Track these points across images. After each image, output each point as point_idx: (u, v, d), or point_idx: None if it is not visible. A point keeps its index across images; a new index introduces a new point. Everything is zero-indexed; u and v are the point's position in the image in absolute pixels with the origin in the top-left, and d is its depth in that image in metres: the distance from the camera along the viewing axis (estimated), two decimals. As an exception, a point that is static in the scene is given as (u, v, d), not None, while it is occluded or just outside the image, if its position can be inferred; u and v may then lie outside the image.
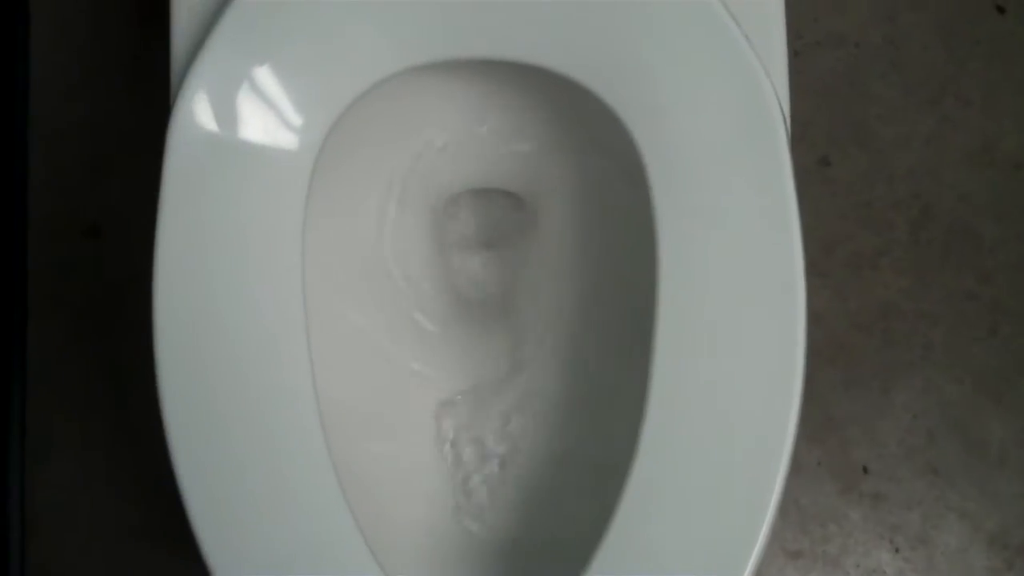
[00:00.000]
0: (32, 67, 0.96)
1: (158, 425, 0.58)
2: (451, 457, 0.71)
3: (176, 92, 0.59)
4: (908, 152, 0.96)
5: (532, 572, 0.65)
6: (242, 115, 0.59)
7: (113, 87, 0.96)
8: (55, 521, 0.92)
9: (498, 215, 0.78)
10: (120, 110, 0.96)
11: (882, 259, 0.95)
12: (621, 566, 0.56)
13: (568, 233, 0.74)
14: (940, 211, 0.96)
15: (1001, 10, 0.97)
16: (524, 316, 0.74)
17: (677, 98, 0.59)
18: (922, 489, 0.93)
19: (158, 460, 0.58)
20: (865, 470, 0.93)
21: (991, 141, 0.96)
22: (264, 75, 0.59)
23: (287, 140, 0.60)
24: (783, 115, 0.59)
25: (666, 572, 0.55)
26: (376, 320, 0.73)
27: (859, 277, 0.95)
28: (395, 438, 0.71)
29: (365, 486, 0.62)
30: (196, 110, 0.58)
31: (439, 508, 0.70)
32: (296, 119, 0.60)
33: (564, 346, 0.73)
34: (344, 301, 0.70)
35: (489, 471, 0.71)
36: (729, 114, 0.59)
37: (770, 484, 0.56)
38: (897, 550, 0.92)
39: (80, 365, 0.94)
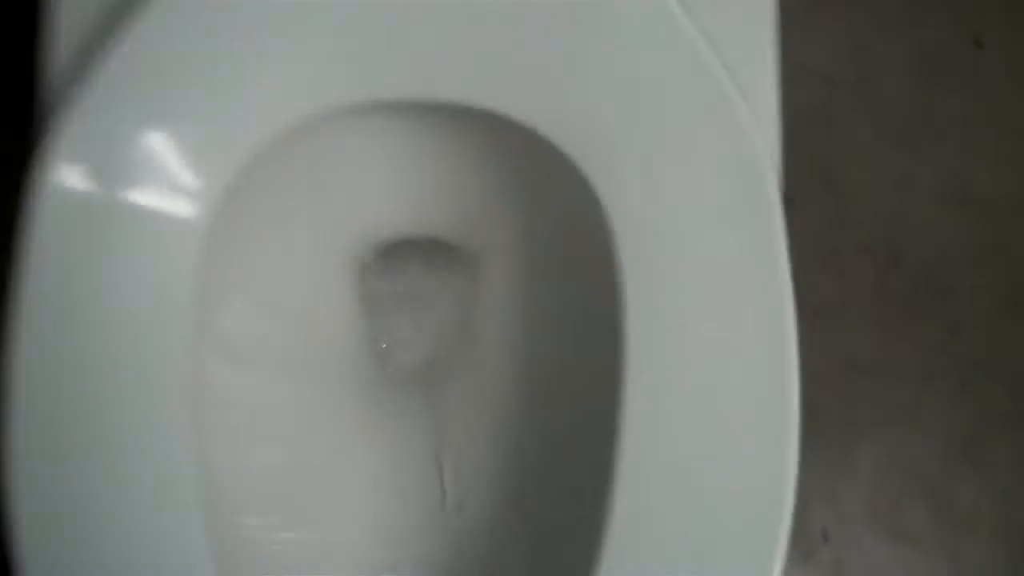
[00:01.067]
0: None
1: None
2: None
3: (42, 137, 0.50)
4: (878, 194, 0.91)
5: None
6: (129, 167, 0.50)
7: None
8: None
9: (432, 269, 0.69)
10: None
11: (847, 310, 0.89)
12: None
13: (513, 290, 0.66)
14: (911, 258, 0.90)
15: (979, 44, 0.91)
16: (455, 390, 0.66)
17: (652, 154, 0.51)
18: (886, 557, 0.87)
19: None
20: (825, 537, 0.87)
21: (966, 182, 0.90)
22: (153, 130, 0.50)
23: (182, 206, 0.51)
24: (777, 178, 0.51)
25: None
26: (297, 385, 0.64)
27: (823, 329, 0.89)
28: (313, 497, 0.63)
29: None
30: (67, 168, 0.49)
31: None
32: (193, 180, 0.51)
33: (504, 415, 0.65)
34: (258, 373, 0.62)
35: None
36: (715, 178, 0.51)
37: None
38: (860, 622, 0.87)
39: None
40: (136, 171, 0.50)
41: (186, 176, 0.51)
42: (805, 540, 0.87)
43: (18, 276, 0.48)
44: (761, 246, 0.51)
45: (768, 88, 0.53)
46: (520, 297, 0.66)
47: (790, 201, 0.88)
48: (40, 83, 0.52)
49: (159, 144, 0.50)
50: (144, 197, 0.50)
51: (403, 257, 0.69)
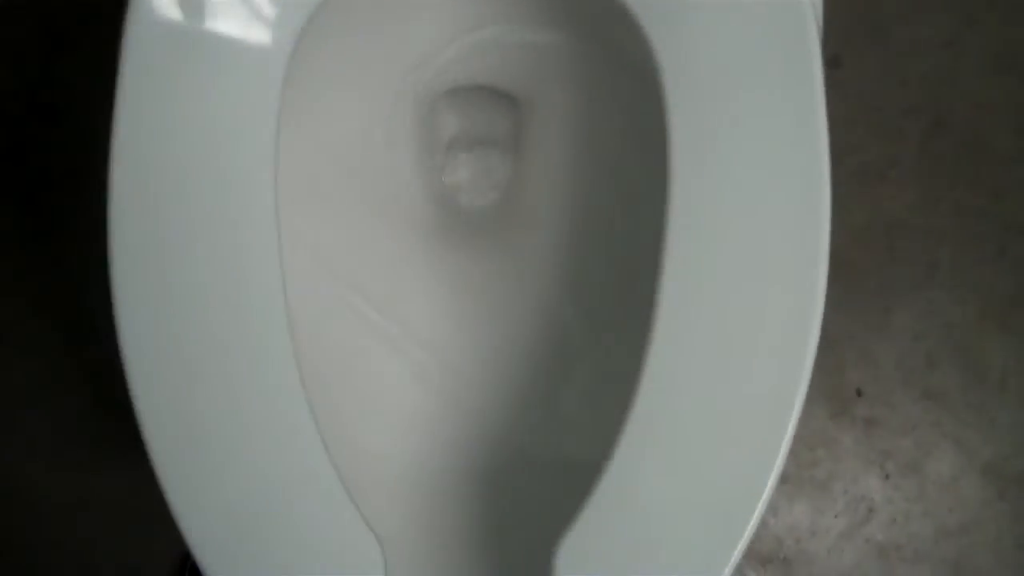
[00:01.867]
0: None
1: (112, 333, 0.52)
2: None
3: None
4: (925, 56, 0.90)
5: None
6: (209, 4, 0.51)
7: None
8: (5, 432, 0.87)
9: (493, 116, 0.70)
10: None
11: (890, 171, 0.89)
12: (602, 535, 0.50)
13: (568, 138, 0.67)
14: (955, 121, 0.89)
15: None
16: (518, 230, 0.68)
17: (701, 8, 0.51)
18: (917, 414, 0.89)
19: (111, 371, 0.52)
20: (859, 393, 0.89)
21: (1014, 48, 0.89)
22: None
23: (259, 35, 0.52)
24: (817, 19, 0.52)
25: (647, 547, 0.50)
26: (358, 221, 0.66)
27: (865, 189, 0.89)
28: (370, 360, 0.65)
29: (339, 413, 0.56)
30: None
31: (415, 436, 0.64)
32: (270, 10, 0.52)
33: (555, 262, 0.66)
34: (324, 208, 0.63)
35: None
36: (757, 19, 0.51)
37: (764, 473, 0.50)
38: (887, 476, 0.89)
39: (27, 261, 0.88)
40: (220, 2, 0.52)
41: (266, 7, 0.52)
42: (840, 396, 0.89)
43: (117, 102, 0.50)
44: (801, 97, 0.51)
45: None
46: (572, 146, 0.67)
47: (838, 61, 0.89)
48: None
49: None
50: (226, 25, 0.52)
51: (463, 103, 0.70)
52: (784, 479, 0.89)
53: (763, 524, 0.88)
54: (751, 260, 0.51)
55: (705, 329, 0.50)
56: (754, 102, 0.51)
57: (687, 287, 0.51)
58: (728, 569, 0.49)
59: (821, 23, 0.54)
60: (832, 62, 0.89)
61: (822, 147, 0.51)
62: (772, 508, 0.88)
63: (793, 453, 0.87)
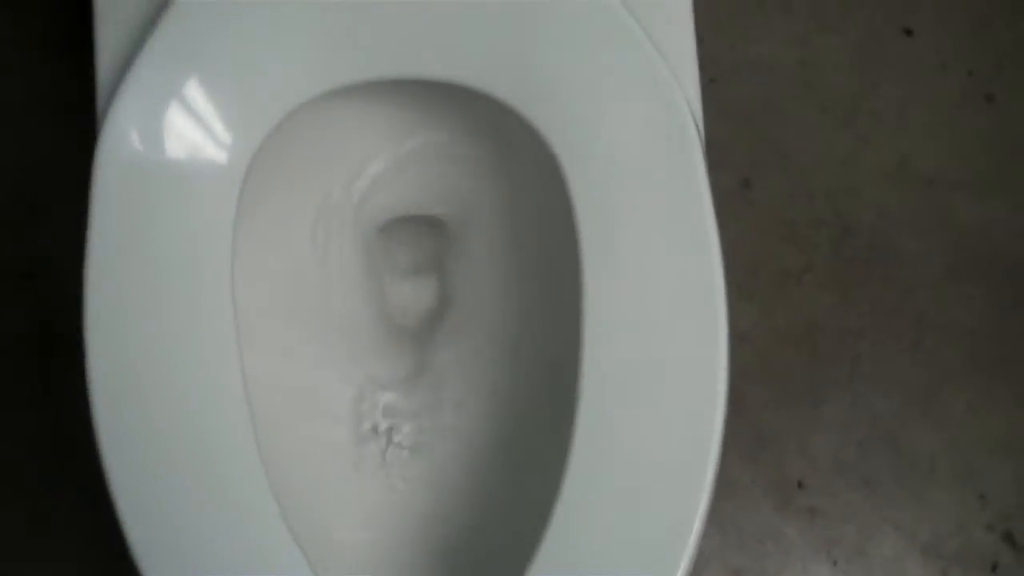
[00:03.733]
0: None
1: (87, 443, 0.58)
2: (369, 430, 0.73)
3: (103, 115, 0.60)
4: (826, 171, 0.98)
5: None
6: (171, 133, 0.60)
7: (45, 128, 0.96)
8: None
9: (427, 242, 0.78)
10: (53, 152, 0.95)
11: (806, 276, 0.97)
12: (558, 567, 0.56)
13: (498, 255, 0.75)
14: (860, 228, 0.98)
15: (909, 32, 1.00)
16: (455, 339, 0.75)
17: (594, 113, 0.61)
18: (857, 502, 0.94)
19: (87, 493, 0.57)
20: (800, 485, 0.94)
21: (905, 158, 0.99)
22: (192, 94, 0.60)
23: (216, 156, 0.60)
24: (695, 121, 0.61)
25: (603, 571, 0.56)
26: (305, 346, 0.73)
27: (785, 295, 0.97)
28: (318, 430, 0.72)
29: (294, 484, 0.63)
30: (123, 129, 0.59)
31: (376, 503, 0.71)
32: (226, 136, 0.60)
33: (495, 367, 0.73)
34: (273, 324, 0.70)
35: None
36: (644, 127, 0.60)
37: (697, 494, 0.57)
38: (835, 563, 0.94)
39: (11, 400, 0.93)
40: (180, 130, 0.60)
41: (222, 133, 0.61)
42: (782, 490, 0.94)
43: (88, 227, 0.59)
44: (686, 178, 0.60)
45: (687, 54, 0.63)
46: (497, 262, 0.75)
47: (748, 183, 0.98)
48: (97, 73, 0.62)
49: (199, 107, 0.60)
50: (187, 152, 0.60)
51: (401, 232, 0.78)
52: (737, 572, 0.93)
53: (722, 619, 0.93)
54: (657, 338, 0.59)
55: (623, 419, 0.58)
56: (649, 201, 0.60)
57: (603, 385, 0.58)
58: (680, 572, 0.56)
59: (702, 129, 0.63)
60: (743, 184, 0.98)
61: (710, 231, 0.60)
62: (729, 602, 0.93)
63: (743, 546, 0.93)
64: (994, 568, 0.93)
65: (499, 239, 0.74)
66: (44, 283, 0.94)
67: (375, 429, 0.73)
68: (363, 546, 0.69)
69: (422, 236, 0.78)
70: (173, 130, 0.60)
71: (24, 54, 0.97)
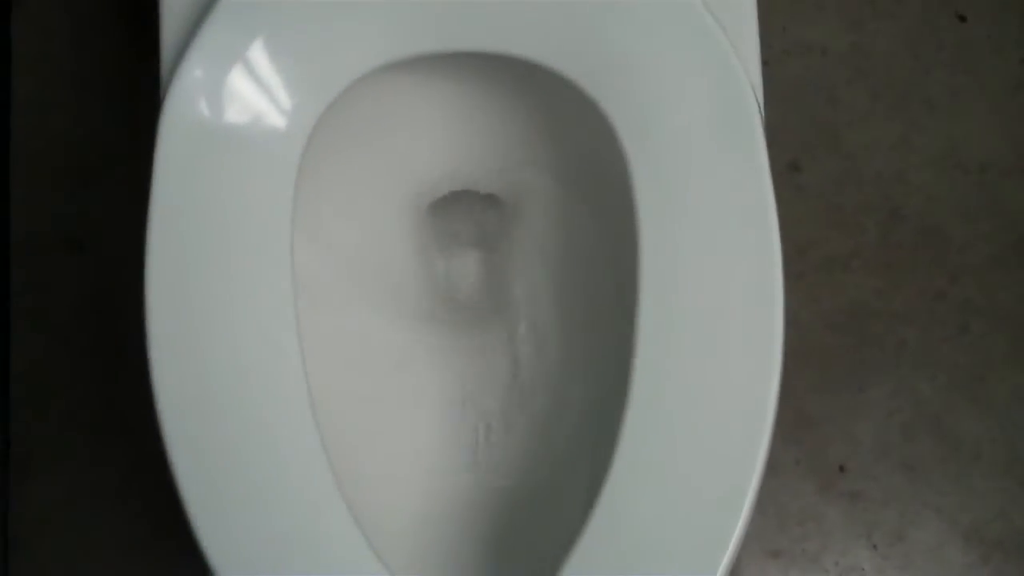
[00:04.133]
0: (13, 81, 0.97)
1: (145, 436, 0.58)
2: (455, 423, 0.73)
3: (168, 80, 0.61)
4: (876, 156, 0.98)
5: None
6: (234, 98, 0.60)
7: (96, 101, 0.97)
8: (40, 536, 0.92)
9: (482, 218, 0.79)
10: (103, 124, 0.97)
11: (854, 261, 0.97)
12: (600, 558, 0.56)
13: (552, 233, 0.76)
14: (909, 213, 0.98)
15: (963, 18, 1.00)
16: (508, 318, 0.76)
17: (658, 92, 0.61)
18: (898, 486, 0.94)
19: (143, 472, 0.58)
20: (842, 469, 0.95)
21: (957, 145, 0.99)
22: (256, 59, 0.61)
23: (278, 122, 0.61)
24: (759, 108, 0.61)
25: (645, 563, 0.56)
26: (359, 315, 0.74)
27: (832, 279, 0.97)
28: (383, 425, 0.73)
29: (354, 470, 0.63)
30: (188, 94, 0.60)
31: (431, 494, 0.71)
32: (288, 103, 0.61)
33: (546, 348, 0.74)
34: (328, 297, 0.71)
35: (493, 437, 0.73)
36: (708, 108, 0.61)
37: (747, 479, 0.57)
38: (875, 547, 0.94)
39: (64, 378, 0.95)
40: (243, 95, 0.61)
41: (284, 100, 0.61)
42: (824, 472, 0.95)
43: (152, 190, 0.59)
44: (747, 162, 0.60)
45: (750, 38, 0.64)
46: (551, 242, 0.76)
47: (797, 166, 0.98)
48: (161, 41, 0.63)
49: (262, 73, 0.61)
50: (250, 118, 0.61)
51: (456, 207, 0.79)
52: (776, 553, 0.94)
53: (761, 598, 0.94)
54: (714, 328, 0.59)
55: (676, 398, 0.58)
56: (710, 183, 0.60)
57: (658, 359, 0.59)
58: (722, 570, 0.56)
59: (763, 113, 0.63)
60: (792, 167, 0.98)
61: (771, 214, 0.60)
62: (769, 582, 0.93)
63: (783, 528, 0.93)
64: (1036, 556, 0.93)
65: (554, 218, 0.75)
66: (92, 255, 0.96)
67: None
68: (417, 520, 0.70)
69: (477, 212, 0.79)
70: (236, 96, 0.60)
71: (85, 22, 0.98)
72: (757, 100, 0.61)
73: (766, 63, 0.96)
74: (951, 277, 0.97)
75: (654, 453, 0.57)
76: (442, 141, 0.75)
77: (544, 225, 0.76)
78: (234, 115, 0.60)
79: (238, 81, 0.61)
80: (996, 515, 0.94)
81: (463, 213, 0.79)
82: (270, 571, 0.56)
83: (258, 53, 0.61)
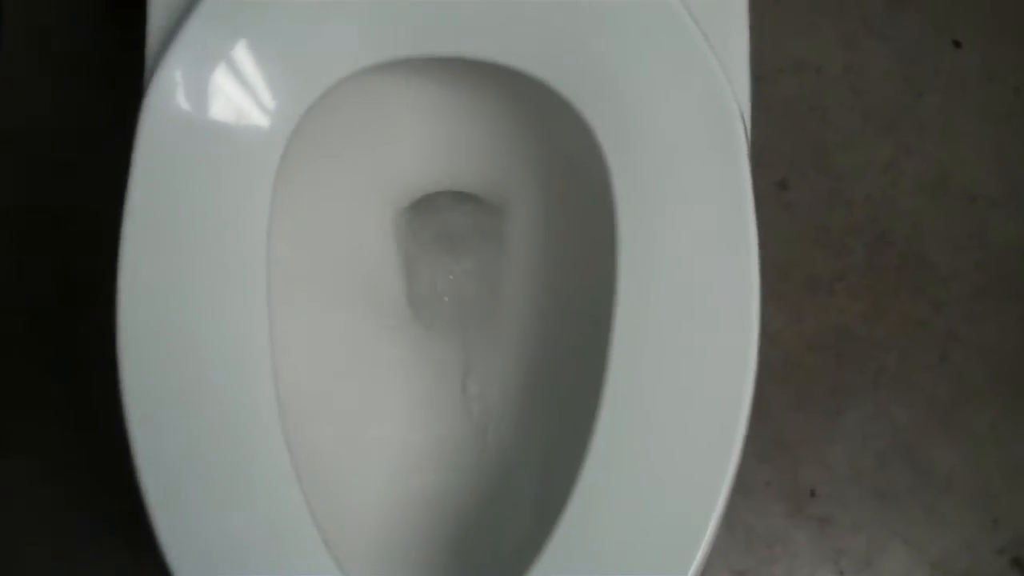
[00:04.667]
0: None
1: (113, 422, 0.57)
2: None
3: (151, 73, 0.60)
4: (866, 179, 0.97)
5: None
6: (216, 94, 0.60)
7: (79, 86, 0.96)
8: (5, 521, 0.91)
9: (462, 219, 0.78)
10: (85, 108, 0.95)
11: (838, 283, 0.96)
12: (569, 560, 0.56)
13: (531, 238, 0.75)
14: (895, 238, 0.97)
15: (958, 44, 0.99)
16: (483, 321, 0.75)
17: (641, 102, 0.60)
18: (868, 513, 0.94)
19: (111, 458, 0.58)
20: (813, 493, 0.94)
21: (947, 172, 0.98)
22: (240, 57, 0.60)
23: (260, 121, 0.60)
24: (743, 121, 0.60)
25: (615, 565, 0.56)
26: (334, 315, 0.73)
27: (815, 300, 0.96)
28: (349, 423, 0.72)
29: (320, 471, 0.62)
30: (170, 87, 0.59)
31: (393, 491, 0.70)
32: (270, 102, 0.61)
33: (522, 351, 0.73)
34: (303, 293, 0.70)
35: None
36: (690, 119, 0.60)
37: (718, 484, 0.57)
38: (842, 573, 0.93)
39: (35, 363, 0.93)
40: (226, 93, 0.60)
41: (267, 99, 0.61)
42: (795, 495, 0.94)
43: (130, 182, 0.59)
44: (729, 177, 0.60)
45: (740, 54, 0.63)
46: (531, 245, 0.75)
47: (785, 184, 0.97)
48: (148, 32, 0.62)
49: (246, 71, 0.61)
50: (231, 115, 0.60)
51: (435, 207, 0.78)
52: (742, 573, 0.93)
53: (725, 619, 0.93)
54: (688, 332, 0.59)
55: (648, 408, 0.58)
56: (691, 195, 0.60)
57: (631, 372, 0.58)
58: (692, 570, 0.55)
59: (749, 130, 0.62)
60: (780, 185, 0.97)
61: (750, 229, 0.59)
62: (733, 603, 0.93)
63: (751, 549, 0.92)
64: (1001, 592, 0.93)
65: (534, 222, 0.74)
66: (67, 237, 0.94)
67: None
68: (375, 527, 0.69)
69: (458, 212, 0.77)
70: (219, 92, 0.60)
71: (72, 11, 0.97)
72: (742, 113, 0.60)
73: (759, 79, 0.95)
74: (934, 305, 0.96)
75: (625, 457, 0.57)
76: (423, 143, 0.74)
77: (524, 227, 0.75)
78: (215, 111, 0.60)
79: (220, 78, 0.60)
80: (963, 547, 0.93)
81: (443, 214, 0.78)
82: (227, 571, 0.56)
83: (243, 51, 0.60)
